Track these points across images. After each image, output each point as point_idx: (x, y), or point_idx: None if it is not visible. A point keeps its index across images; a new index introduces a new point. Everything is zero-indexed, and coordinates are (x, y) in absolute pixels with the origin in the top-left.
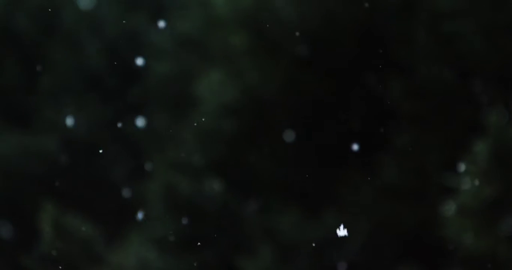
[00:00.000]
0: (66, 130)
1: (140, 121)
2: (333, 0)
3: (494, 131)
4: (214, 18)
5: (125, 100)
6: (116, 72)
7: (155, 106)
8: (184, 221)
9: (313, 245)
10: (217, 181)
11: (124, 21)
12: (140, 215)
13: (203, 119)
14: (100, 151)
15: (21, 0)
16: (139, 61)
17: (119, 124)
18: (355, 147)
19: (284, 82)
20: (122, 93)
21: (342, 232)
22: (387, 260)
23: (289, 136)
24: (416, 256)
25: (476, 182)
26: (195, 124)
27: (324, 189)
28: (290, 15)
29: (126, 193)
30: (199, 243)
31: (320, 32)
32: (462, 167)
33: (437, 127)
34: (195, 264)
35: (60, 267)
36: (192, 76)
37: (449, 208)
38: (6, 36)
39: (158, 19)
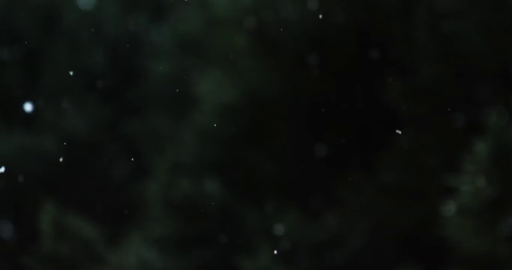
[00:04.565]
0: (66, 130)
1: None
2: (333, 0)
3: (494, 131)
4: (214, 18)
5: (125, 100)
6: (116, 72)
7: (155, 106)
8: (184, 221)
9: (313, 245)
10: (217, 181)
11: (124, 21)
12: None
13: (203, 119)
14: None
15: (21, 0)
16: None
17: (119, 125)
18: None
19: (284, 82)
20: (122, 93)
21: None
22: (387, 260)
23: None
24: (416, 256)
25: (476, 182)
26: (195, 124)
27: (324, 189)
28: (290, 15)
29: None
30: (199, 243)
31: (320, 32)
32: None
33: (437, 127)
34: (195, 264)
35: (60, 267)
36: (192, 76)
37: (449, 208)
38: (6, 36)
39: (158, 19)
